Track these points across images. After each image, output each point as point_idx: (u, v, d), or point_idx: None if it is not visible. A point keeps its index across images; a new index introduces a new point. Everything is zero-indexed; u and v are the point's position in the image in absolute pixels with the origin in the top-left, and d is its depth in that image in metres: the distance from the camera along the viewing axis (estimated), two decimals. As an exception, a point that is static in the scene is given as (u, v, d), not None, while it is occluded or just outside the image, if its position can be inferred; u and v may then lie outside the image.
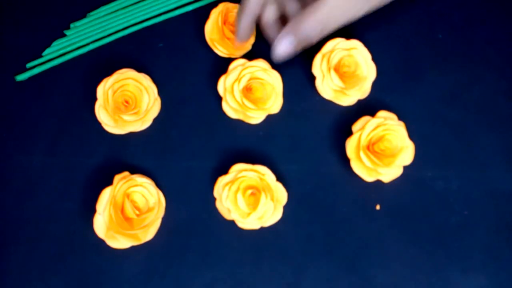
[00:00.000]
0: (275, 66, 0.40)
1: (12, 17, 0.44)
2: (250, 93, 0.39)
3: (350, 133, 0.39)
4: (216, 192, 0.38)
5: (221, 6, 0.42)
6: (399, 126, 0.38)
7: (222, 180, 0.37)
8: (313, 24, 0.33)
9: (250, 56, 0.41)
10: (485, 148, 0.40)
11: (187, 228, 0.38)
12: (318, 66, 0.40)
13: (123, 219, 0.36)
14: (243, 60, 0.40)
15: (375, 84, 0.41)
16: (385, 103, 0.41)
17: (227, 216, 0.38)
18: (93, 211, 0.36)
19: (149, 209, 0.37)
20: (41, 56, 0.43)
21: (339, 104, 0.41)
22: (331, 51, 0.40)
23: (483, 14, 0.44)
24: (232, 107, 0.40)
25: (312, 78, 0.41)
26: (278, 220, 0.37)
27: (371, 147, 0.38)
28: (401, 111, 0.41)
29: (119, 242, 0.36)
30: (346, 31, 0.42)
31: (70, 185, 0.39)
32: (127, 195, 0.37)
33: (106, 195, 0.36)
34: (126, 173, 0.38)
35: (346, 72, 0.40)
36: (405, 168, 0.38)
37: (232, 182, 0.37)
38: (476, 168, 0.40)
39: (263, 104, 0.39)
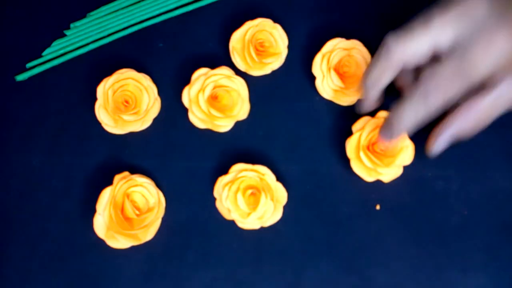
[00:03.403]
0: (238, 73, 0.40)
1: (12, 17, 0.44)
2: (216, 102, 0.39)
3: (350, 133, 0.39)
4: (216, 192, 0.38)
5: (258, 21, 0.40)
6: None
7: (222, 180, 0.37)
8: (481, 126, 0.34)
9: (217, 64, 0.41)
10: (485, 148, 0.40)
11: (187, 228, 0.38)
12: (318, 66, 0.40)
13: (123, 219, 0.36)
14: (205, 69, 0.39)
15: (375, 84, 0.41)
16: (385, 103, 0.41)
17: (227, 216, 0.38)
18: (93, 211, 0.36)
19: (149, 209, 0.37)
20: (41, 56, 0.43)
21: (339, 104, 0.41)
22: (331, 51, 0.40)
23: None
24: (199, 118, 0.39)
25: (312, 78, 0.41)
26: (278, 220, 0.37)
27: (371, 147, 0.38)
28: (401, 111, 0.41)
29: (119, 242, 0.36)
30: (346, 31, 0.42)
31: (70, 185, 0.39)
32: (127, 195, 0.37)
33: (106, 195, 0.36)
34: (126, 173, 0.38)
35: (346, 72, 0.40)
36: (405, 168, 0.38)
37: (232, 182, 0.37)
38: (476, 168, 0.40)
39: (230, 112, 0.39)
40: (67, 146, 0.40)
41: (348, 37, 0.41)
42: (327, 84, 0.40)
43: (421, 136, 0.40)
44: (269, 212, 0.37)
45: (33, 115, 0.41)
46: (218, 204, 0.38)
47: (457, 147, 0.40)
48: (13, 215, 0.38)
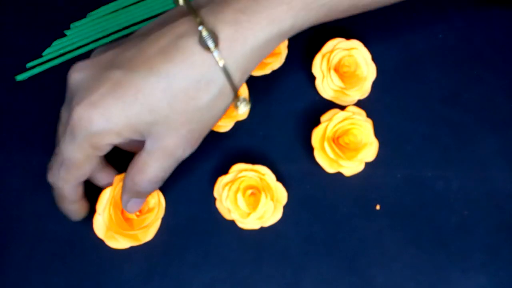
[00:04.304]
0: None
1: (12, 17, 0.44)
2: None
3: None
4: (216, 192, 0.38)
5: None
6: (366, 122, 0.38)
7: (222, 180, 0.37)
8: (147, 184, 0.33)
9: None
10: (485, 148, 0.40)
11: (187, 228, 0.38)
12: (318, 66, 0.40)
13: (122, 219, 0.36)
14: None
15: (375, 84, 0.41)
16: (385, 103, 0.41)
17: (227, 216, 0.38)
18: (93, 211, 0.36)
19: (149, 210, 0.37)
20: (41, 56, 0.43)
21: (339, 104, 0.41)
22: (331, 51, 0.40)
23: (483, 14, 0.44)
24: None
25: (312, 78, 0.41)
26: (278, 220, 0.37)
27: (336, 139, 0.38)
28: (401, 111, 0.41)
29: (118, 242, 0.36)
30: (346, 31, 0.42)
31: (70, 185, 0.39)
32: (127, 195, 0.37)
33: (106, 195, 0.36)
34: (126, 173, 0.38)
35: (346, 72, 0.40)
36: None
37: (232, 182, 0.37)
38: (476, 168, 0.40)
39: (230, 112, 0.39)
40: (67, 146, 0.40)
41: (348, 37, 0.41)
42: (327, 84, 0.40)
43: (421, 137, 0.40)
44: (269, 212, 0.37)
45: (33, 115, 0.41)
46: (218, 204, 0.38)
47: (457, 147, 0.40)
48: (13, 215, 0.38)
